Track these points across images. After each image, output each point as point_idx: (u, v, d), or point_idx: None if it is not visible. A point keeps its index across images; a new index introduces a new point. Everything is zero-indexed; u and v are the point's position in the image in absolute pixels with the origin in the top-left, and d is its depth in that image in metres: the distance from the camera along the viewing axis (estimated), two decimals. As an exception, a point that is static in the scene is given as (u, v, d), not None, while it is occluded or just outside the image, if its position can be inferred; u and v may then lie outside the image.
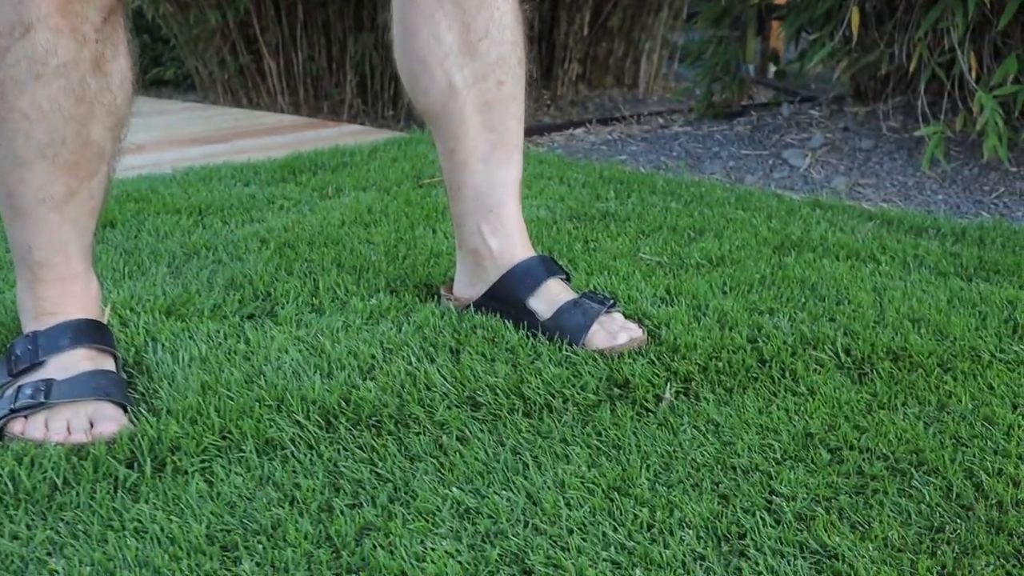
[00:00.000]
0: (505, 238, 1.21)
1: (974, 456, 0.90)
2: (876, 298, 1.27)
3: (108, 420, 0.95)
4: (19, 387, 0.96)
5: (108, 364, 1.02)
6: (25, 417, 0.94)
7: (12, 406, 0.94)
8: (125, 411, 0.97)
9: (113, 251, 1.52)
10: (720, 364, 1.08)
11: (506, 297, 1.19)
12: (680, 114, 3.02)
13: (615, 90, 3.91)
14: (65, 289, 1.02)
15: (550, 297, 1.18)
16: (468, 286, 1.25)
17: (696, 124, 2.77)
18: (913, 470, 0.88)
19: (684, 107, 3.17)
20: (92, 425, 0.94)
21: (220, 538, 0.79)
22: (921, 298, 1.27)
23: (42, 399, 0.94)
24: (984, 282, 1.35)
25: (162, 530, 0.80)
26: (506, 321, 1.19)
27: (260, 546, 0.78)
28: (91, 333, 1.02)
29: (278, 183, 2.05)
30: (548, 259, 1.23)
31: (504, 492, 0.85)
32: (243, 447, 0.92)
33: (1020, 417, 0.97)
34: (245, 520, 0.81)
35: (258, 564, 0.76)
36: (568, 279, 1.23)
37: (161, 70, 4.08)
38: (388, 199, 1.86)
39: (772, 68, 3.54)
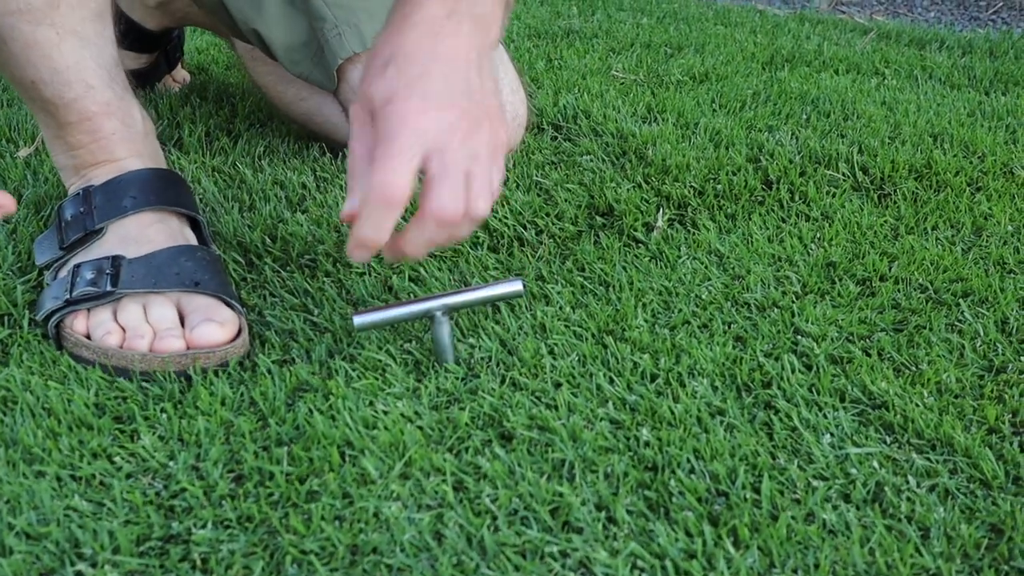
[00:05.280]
0: None
1: (1026, 284, 0.76)
2: (888, 112, 1.11)
3: (208, 322, 0.66)
4: (76, 267, 0.70)
5: (188, 234, 0.74)
6: (88, 310, 0.68)
7: (68, 296, 0.67)
8: (234, 310, 0.69)
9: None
10: (719, 187, 0.91)
11: None
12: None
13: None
14: (99, 128, 0.73)
15: None
16: None
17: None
18: (960, 301, 0.74)
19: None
20: (184, 325, 0.67)
21: (112, 407, 0.62)
22: (939, 111, 1.10)
23: (108, 287, 0.68)
24: (1003, 95, 1.19)
25: (37, 400, 0.62)
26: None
27: (164, 416, 0.61)
28: (160, 188, 0.74)
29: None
30: None
31: (470, 339, 0.69)
32: (143, 295, 0.74)
33: (1071, 239, 0.83)
34: (145, 384, 0.64)
35: (161, 438, 0.59)
36: None
37: None
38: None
39: None
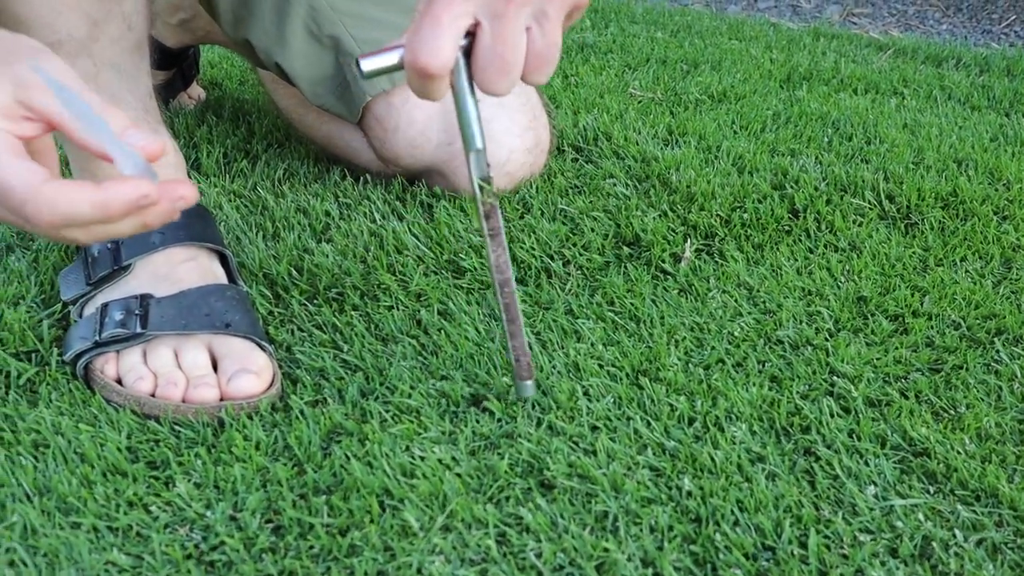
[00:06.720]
0: None
1: (1059, 321, 0.76)
2: (910, 136, 1.10)
3: (244, 373, 0.64)
4: (104, 306, 0.68)
5: (218, 270, 0.73)
6: (117, 352, 0.66)
7: (96, 338, 0.66)
8: (268, 354, 0.68)
9: None
10: (745, 216, 0.90)
11: None
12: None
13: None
14: None
15: None
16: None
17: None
18: (995, 340, 0.73)
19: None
20: (217, 371, 0.66)
21: (145, 452, 0.61)
22: (961, 135, 1.10)
23: (138, 328, 0.66)
24: (1024, 117, 1.18)
25: (69, 444, 0.61)
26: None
27: (198, 461, 0.60)
28: (188, 223, 0.71)
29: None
30: None
31: (504, 380, 0.68)
32: (170, 330, 0.73)
33: (1101, 273, 0.82)
34: (178, 427, 0.63)
35: (197, 485, 0.58)
36: None
37: None
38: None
39: None
